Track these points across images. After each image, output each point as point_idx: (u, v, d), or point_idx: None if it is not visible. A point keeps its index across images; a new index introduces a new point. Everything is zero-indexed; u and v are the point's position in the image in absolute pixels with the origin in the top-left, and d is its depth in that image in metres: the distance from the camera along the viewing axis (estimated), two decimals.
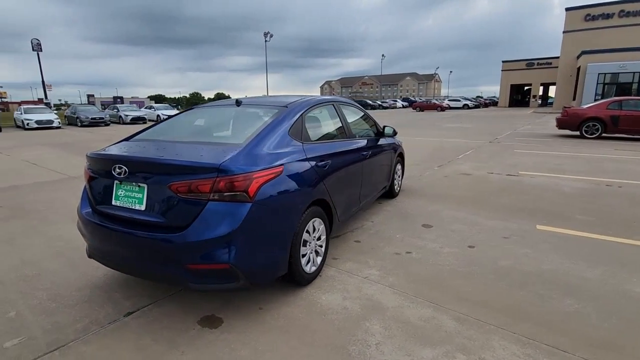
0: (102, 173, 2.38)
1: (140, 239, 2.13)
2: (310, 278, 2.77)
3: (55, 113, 23.14)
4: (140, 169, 2.21)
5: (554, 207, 4.70)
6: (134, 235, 2.15)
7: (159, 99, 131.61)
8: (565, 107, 12.82)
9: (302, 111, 2.96)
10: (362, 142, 3.81)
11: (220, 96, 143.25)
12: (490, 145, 10.89)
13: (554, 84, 42.73)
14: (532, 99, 50.98)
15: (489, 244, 3.52)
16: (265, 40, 42.64)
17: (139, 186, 2.24)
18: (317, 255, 2.89)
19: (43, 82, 35.74)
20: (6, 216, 4.61)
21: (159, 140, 2.68)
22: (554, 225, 4.00)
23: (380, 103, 55.46)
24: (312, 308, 2.49)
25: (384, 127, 4.48)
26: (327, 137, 3.37)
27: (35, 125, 19.98)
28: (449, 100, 48.06)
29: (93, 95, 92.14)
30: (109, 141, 8.14)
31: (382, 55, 69.67)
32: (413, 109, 43.31)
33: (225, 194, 2.08)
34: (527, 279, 2.84)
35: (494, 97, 65.57)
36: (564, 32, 38.27)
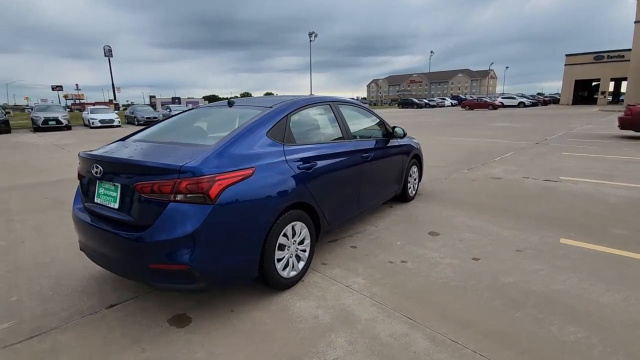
0: (86, 172, 2.52)
1: (111, 236, 2.22)
2: (288, 283, 2.70)
3: (116, 113, 25.27)
4: (111, 169, 2.30)
5: (590, 218, 4.17)
6: (107, 232, 2.24)
7: (212, 98, 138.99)
8: (629, 105, 11.40)
9: (288, 112, 2.90)
10: (363, 144, 3.66)
11: (267, 96, 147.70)
12: (535, 147, 10.01)
13: (626, 79, 38.30)
14: (600, 96, 46.18)
15: (497, 257, 3.21)
16: (310, 40, 43.04)
17: (114, 185, 2.33)
18: (298, 260, 2.82)
19: (113, 85, 39.50)
20: (46, 207, 5.08)
21: (145, 141, 2.78)
22: (582, 240, 3.55)
23: (427, 101, 53.56)
24: (282, 314, 2.43)
25: (394, 128, 4.28)
26: (317, 138, 3.29)
27: (99, 124, 21.97)
28: (502, 98, 45.08)
29: (154, 97, 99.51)
30: None
31: (431, 52, 67.28)
32: (462, 107, 41.28)
33: (186, 195, 2.09)
34: (528, 300, 2.54)
35: (557, 94, 60.34)
36: (635, 22, 34.24)
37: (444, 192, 5.42)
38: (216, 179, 2.15)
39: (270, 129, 2.68)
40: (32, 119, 20.34)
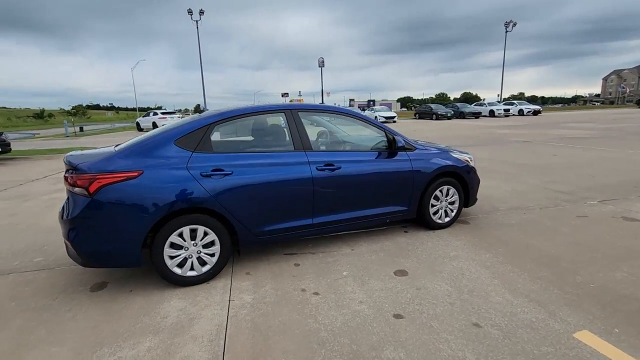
0: None
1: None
2: (185, 281, 2.87)
3: None
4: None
5: None
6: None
7: (406, 100, 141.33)
8: None
9: (210, 122, 3.02)
10: (324, 155, 3.34)
11: (467, 96, 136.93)
12: None
13: None
14: None
15: (428, 328, 2.31)
16: (506, 31, 37.37)
17: None
18: (203, 264, 2.93)
19: (322, 90, 47.91)
20: None
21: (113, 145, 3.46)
22: (614, 336, 2.06)
23: None
24: (136, 304, 2.65)
25: (394, 138, 3.57)
26: (245, 147, 3.27)
27: None
28: None
29: (353, 99, 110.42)
30: None
31: None
32: None
33: (75, 188, 2.62)
34: None
35: None
36: None
37: (508, 226, 4.03)
38: (97, 177, 2.58)
39: (180, 138, 2.90)
40: None
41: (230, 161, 2.96)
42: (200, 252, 2.91)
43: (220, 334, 2.29)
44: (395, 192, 3.67)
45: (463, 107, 32.21)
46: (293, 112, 3.35)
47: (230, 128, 3.11)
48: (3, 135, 11.67)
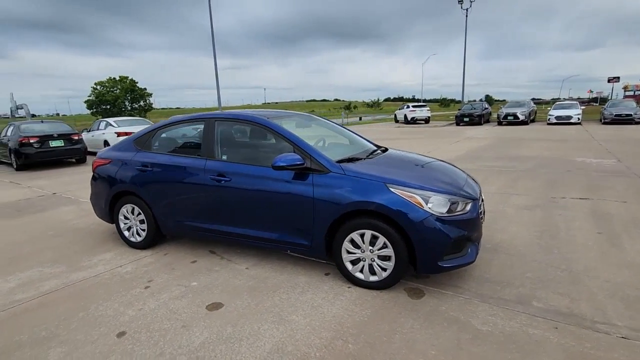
0: None
1: None
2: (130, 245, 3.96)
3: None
4: None
5: None
6: None
7: None
8: None
9: (158, 127, 3.81)
10: (218, 165, 3.36)
11: None
12: None
13: None
14: None
15: None
16: None
17: None
18: (139, 235, 3.88)
19: None
20: None
21: None
22: None
23: None
24: None
25: (301, 154, 2.95)
26: (167, 150, 3.82)
27: (555, 121, 21.14)
28: None
29: None
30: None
31: None
32: None
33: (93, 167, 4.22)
34: None
35: None
36: None
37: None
38: (95, 161, 4.07)
39: (137, 138, 3.88)
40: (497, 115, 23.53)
41: (150, 159, 3.67)
42: (137, 225, 3.87)
43: None
44: (289, 220, 3.05)
45: None
46: (211, 121, 3.52)
47: (162, 133, 3.78)
48: None
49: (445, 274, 3.04)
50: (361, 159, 3.27)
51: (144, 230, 3.83)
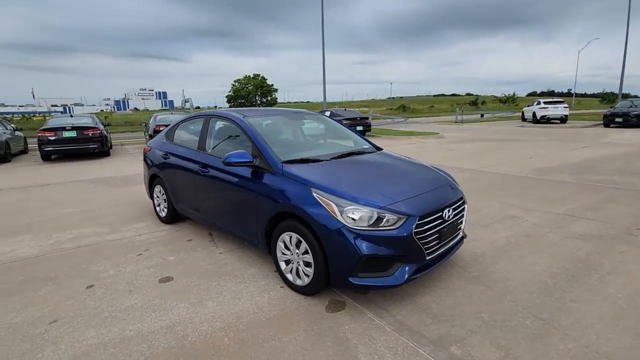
0: None
1: None
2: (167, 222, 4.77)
3: None
4: None
5: None
6: None
7: None
8: None
9: (179, 122, 4.42)
10: (205, 158, 3.73)
11: None
12: None
13: None
14: None
15: None
16: None
17: None
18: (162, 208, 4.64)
19: None
20: None
21: None
22: None
23: None
24: None
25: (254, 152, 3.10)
26: (180, 142, 4.28)
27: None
28: None
29: None
30: None
31: None
32: None
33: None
34: None
35: None
36: None
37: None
38: (145, 149, 4.99)
39: (167, 132, 4.60)
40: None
41: (168, 149, 4.34)
42: (164, 202, 4.63)
43: None
44: (243, 216, 3.23)
45: None
46: (207, 118, 3.96)
47: (180, 128, 4.36)
48: (369, 119, 16.79)
49: (389, 293, 2.76)
50: (321, 160, 3.19)
51: (166, 207, 4.57)
